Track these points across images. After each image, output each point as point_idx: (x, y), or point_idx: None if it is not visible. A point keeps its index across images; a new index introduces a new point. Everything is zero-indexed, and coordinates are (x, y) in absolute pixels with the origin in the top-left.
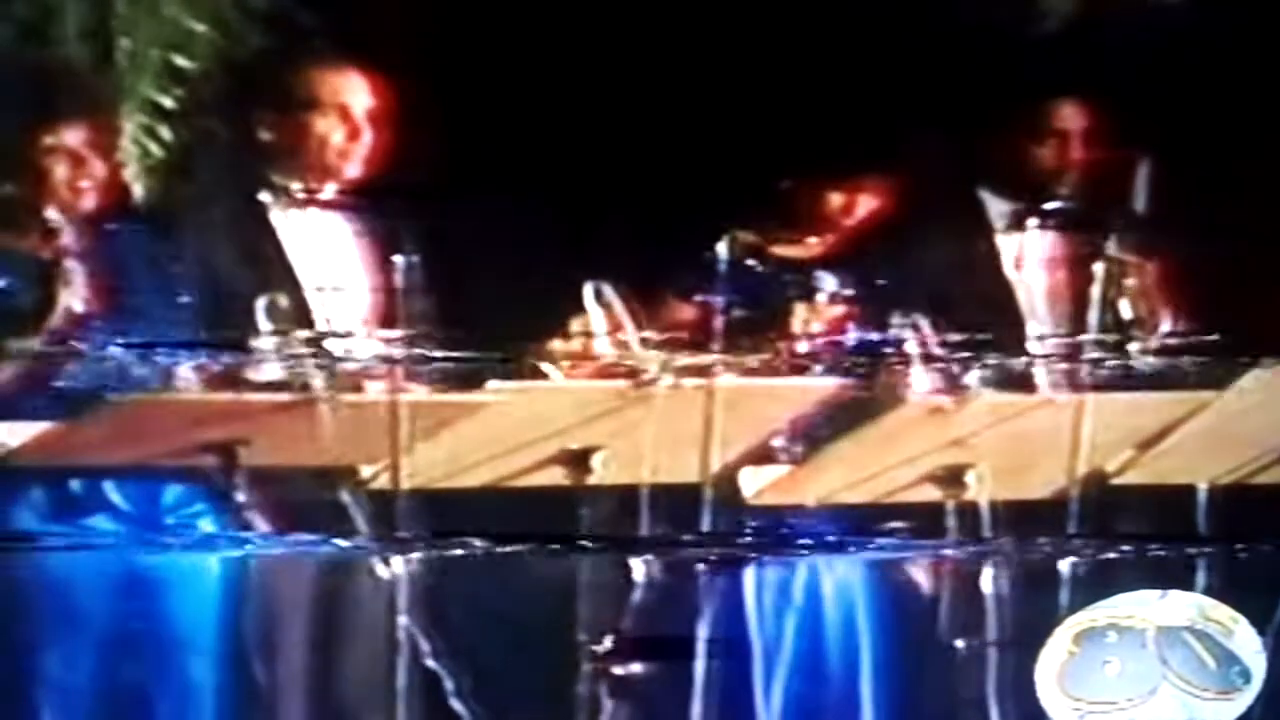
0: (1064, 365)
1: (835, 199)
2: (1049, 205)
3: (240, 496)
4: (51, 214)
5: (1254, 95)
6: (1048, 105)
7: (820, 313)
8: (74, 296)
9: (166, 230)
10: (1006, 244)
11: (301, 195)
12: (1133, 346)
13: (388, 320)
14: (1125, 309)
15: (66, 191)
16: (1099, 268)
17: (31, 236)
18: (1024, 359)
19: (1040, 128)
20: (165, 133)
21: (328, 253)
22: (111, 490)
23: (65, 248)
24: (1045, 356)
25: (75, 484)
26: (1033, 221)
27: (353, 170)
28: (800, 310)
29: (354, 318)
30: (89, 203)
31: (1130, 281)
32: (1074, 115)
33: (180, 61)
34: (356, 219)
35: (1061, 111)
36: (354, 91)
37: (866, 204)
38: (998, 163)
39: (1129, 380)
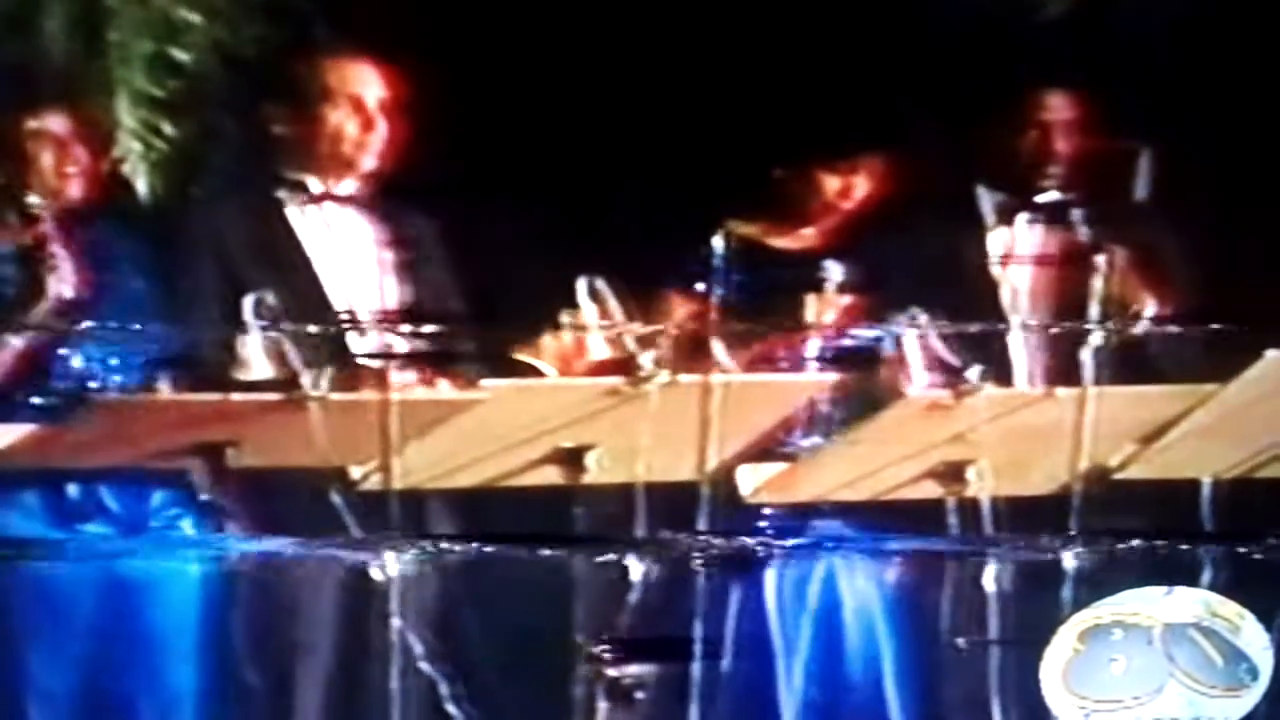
0: (1063, 358)
1: (831, 188)
2: (1040, 198)
3: (228, 498)
4: (34, 200)
5: (1253, 82)
6: (1041, 96)
7: (831, 302)
8: (63, 283)
9: (159, 224)
10: (998, 237)
11: (318, 190)
12: (1134, 337)
13: (381, 316)
14: (1123, 301)
15: (52, 178)
16: (1100, 260)
17: (14, 224)
18: (1022, 352)
19: (1032, 119)
20: (166, 126)
21: (324, 248)
22: (98, 493)
23: (50, 234)
24: (1043, 350)
25: (61, 486)
26: (1023, 214)
27: (369, 163)
28: (811, 301)
29: (346, 313)
30: (74, 191)
31: (1127, 273)
32: (1066, 106)
33: (174, 53)
34: (353, 214)
35: (1054, 102)
36: (366, 82)
37: (862, 195)
38: (990, 154)
39: (1130, 373)
